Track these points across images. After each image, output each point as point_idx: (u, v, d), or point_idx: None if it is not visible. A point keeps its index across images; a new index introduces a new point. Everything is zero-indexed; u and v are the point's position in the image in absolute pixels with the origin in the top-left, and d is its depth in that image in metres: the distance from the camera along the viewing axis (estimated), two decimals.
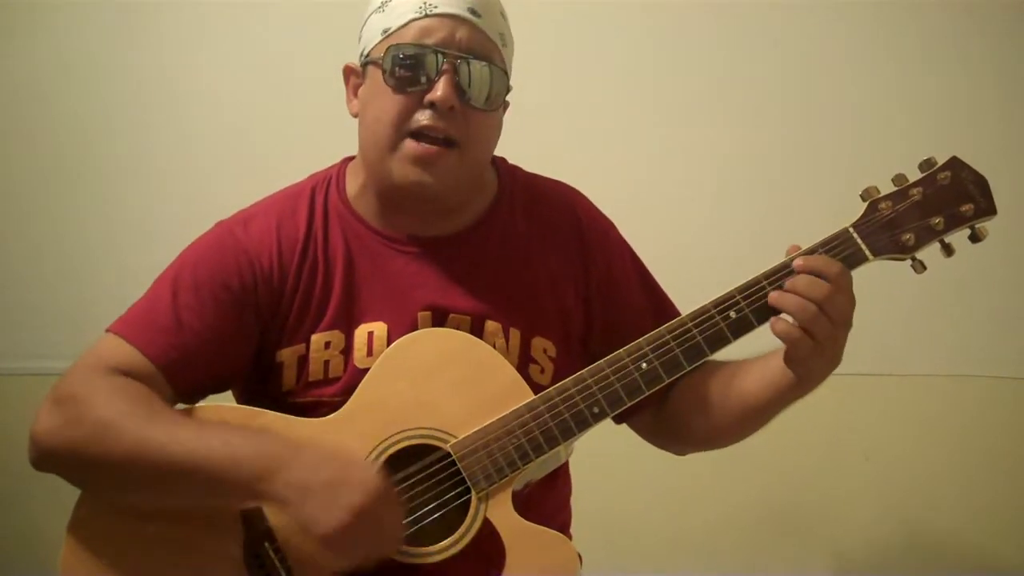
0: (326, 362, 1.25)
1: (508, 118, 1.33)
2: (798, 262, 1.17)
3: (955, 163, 1.22)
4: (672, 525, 2.21)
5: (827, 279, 1.15)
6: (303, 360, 1.26)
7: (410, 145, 1.21)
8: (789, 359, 1.19)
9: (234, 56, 2.25)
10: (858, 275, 1.24)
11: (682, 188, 2.22)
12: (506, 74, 1.26)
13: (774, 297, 1.17)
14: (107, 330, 1.23)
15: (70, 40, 2.24)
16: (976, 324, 2.21)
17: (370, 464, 1.15)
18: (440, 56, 1.19)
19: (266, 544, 1.14)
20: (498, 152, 1.38)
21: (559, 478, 1.36)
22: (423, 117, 1.20)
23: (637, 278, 1.40)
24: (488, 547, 1.16)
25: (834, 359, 1.19)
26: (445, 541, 1.16)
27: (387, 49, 1.22)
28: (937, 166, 1.22)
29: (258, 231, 1.28)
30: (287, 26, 2.23)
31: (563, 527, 1.37)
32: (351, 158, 1.36)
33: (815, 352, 1.16)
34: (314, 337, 1.26)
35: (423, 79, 1.20)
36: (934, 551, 2.23)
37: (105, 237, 2.24)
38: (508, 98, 1.31)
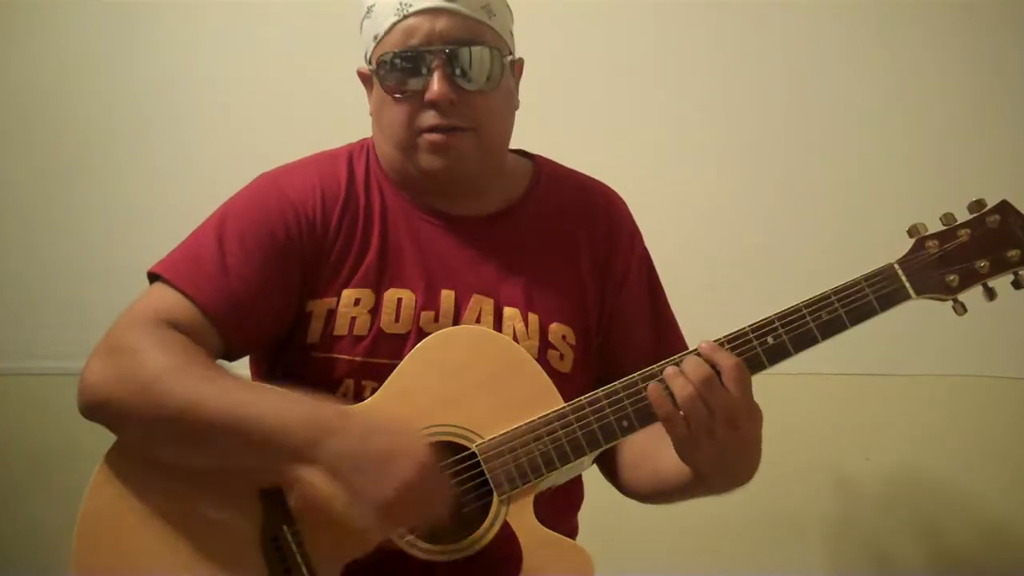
0: (353, 318, 1.25)
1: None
2: (702, 345, 1.14)
3: (1005, 207, 1.20)
4: (672, 525, 2.20)
5: (716, 367, 1.11)
6: (331, 313, 1.26)
7: (426, 138, 1.24)
8: (673, 443, 1.15)
9: (234, 55, 2.26)
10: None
11: (683, 187, 2.22)
12: (499, 48, 1.26)
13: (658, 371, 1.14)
14: (150, 272, 1.23)
15: (70, 40, 2.25)
16: (976, 324, 2.18)
17: (420, 435, 1.13)
18: (426, 54, 1.21)
19: (284, 527, 1.13)
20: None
21: (572, 485, 1.36)
22: (429, 118, 1.23)
23: (648, 298, 1.40)
24: (505, 550, 1.16)
25: (721, 461, 1.14)
26: (463, 541, 1.16)
27: (378, 59, 1.24)
28: (987, 208, 1.19)
29: (301, 182, 1.29)
30: (288, 24, 2.24)
31: (569, 534, 1.36)
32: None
33: (690, 442, 1.12)
34: (345, 292, 1.26)
35: (418, 80, 1.22)
36: (934, 551, 2.23)
37: (105, 237, 2.24)
38: (520, 54, 1.33)
